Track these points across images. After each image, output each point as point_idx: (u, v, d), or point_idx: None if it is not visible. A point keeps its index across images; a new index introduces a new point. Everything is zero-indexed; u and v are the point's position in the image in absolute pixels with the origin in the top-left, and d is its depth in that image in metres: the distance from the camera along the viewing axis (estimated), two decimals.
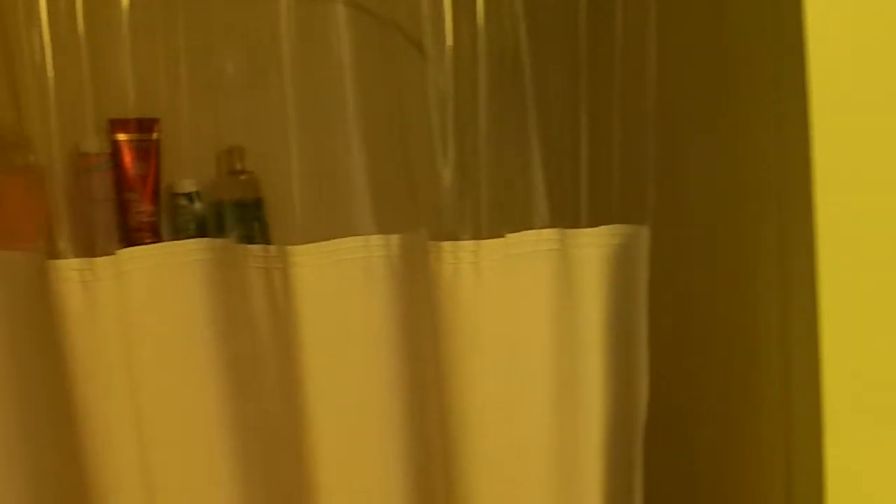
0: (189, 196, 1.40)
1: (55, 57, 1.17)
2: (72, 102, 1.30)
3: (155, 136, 1.39)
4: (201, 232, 1.32)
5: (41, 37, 0.91)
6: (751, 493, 0.95)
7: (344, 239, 0.91)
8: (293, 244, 0.89)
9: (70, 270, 0.88)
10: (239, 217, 1.43)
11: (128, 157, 1.37)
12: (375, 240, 0.91)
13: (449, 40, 0.86)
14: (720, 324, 0.98)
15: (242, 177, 1.43)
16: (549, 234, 0.90)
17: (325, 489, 0.90)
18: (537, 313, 0.91)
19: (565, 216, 0.90)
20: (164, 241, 1.37)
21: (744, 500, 0.96)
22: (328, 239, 0.92)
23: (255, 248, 0.91)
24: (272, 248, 0.91)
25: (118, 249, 0.90)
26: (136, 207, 1.37)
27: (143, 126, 1.38)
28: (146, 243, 1.37)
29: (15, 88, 1.20)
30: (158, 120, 1.37)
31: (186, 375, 0.91)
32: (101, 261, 0.88)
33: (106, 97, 1.21)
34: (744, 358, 0.95)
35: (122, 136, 1.36)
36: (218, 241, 0.92)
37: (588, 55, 0.90)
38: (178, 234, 1.41)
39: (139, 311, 0.90)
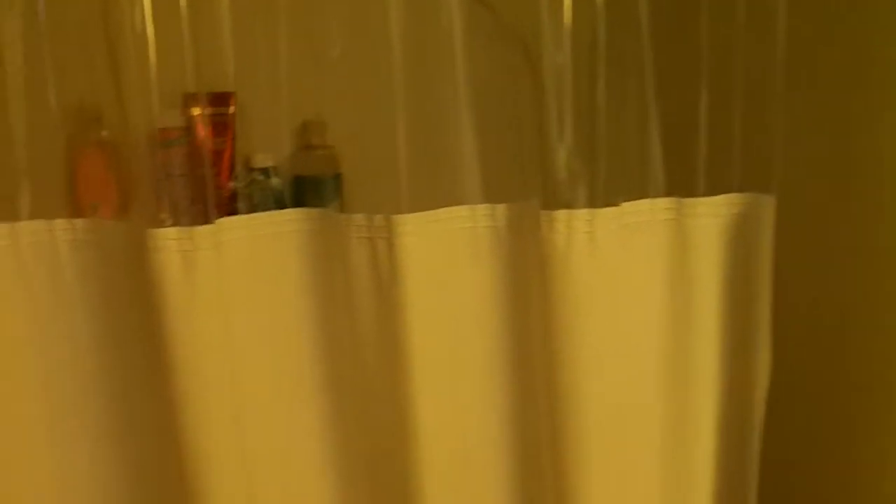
0: (266, 171, 1.39)
1: (133, 32, 1.15)
2: (149, 76, 1.29)
3: (231, 110, 1.37)
4: (278, 207, 1.30)
5: (143, 10, 0.89)
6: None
7: (450, 208, 0.88)
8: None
9: (168, 240, 0.85)
10: (317, 192, 1.41)
11: (204, 132, 1.36)
12: (482, 209, 0.87)
13: (567, 18, 0.83)
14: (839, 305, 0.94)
15: (321, 151, 1.42)
16: (665, 202, 0.86)
17: (429, 466, 0.87)
18: (652, 286, 0.87)
19: (682, 185, 0.87)
20: (227, 215, 1.36)
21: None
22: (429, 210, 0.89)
23: (359, 218, 0.89)
24: (377, 217, 0.88)
25: (217, 219, 0.87)
26: (212, 183, 1.36)
27: (219, 100, 1.36)
28: (202, 219, 1.36)
29: (104, 62, 1.19)
30: (234, 94, 1.35)
31: (284, 346, 0.89)
32: (200, 230, 0.85)
33: (182, 71, 1.20)
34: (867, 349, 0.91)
35: (197, 111, 1.34)
36: (318, 211, 0.89)
37: (710, 17, 0.86)
38: (255, 209, 1.39)
39: (237, 282, 0.87)
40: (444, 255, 0.88)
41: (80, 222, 0.89)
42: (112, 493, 0.86)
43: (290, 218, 0.88)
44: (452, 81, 0.88)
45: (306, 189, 1.41)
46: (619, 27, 0.85)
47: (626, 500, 0.91)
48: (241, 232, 0.87)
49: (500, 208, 0.87)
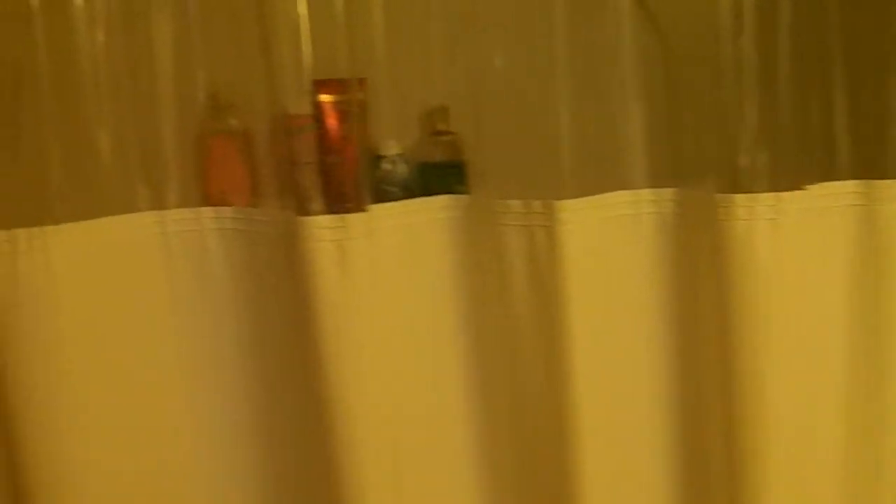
0: (393, 158, 1.36)
1: (262, 19, 1.14)
2: (279, 63, 1.28)
3: (360, 96, 1.35)
4: (406, 195, 1.27)
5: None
6: None
7: (612, 193, 0.83)
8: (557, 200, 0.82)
9: (321, 228, 0.83)
10: (443, 179, 1.37)
11: (333, 119, 1.34)
12: (646, 194, 0.82)
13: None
14: None
15: (447, 138, 1.38)
16: (853, 185, 0.80)
17: (587, 460, 0.82)
18: (837, 276, 0.81)
19: (868, 168, 0.80)
20: (365, 204, 1.34)
21: None
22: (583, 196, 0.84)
23: (516, 204, 0.84)
24: (535, 203, 0.84)
25: (370, 205, 0.84)
26: (338, 170, 1.34)
27: (348, 86, 1.33)
28: (349, 207, 1.34)
29: (241, 51, 1.18)
30: (364, 80, 1.33)
31: (437, 338, 0.85)
32: (354, 217, 0.82)
33: (311, 57, 1.19)
34: None
35: (326, 98, 1.32)
36: (471, 197, 0.85)
37: None
38: (381, 197, 1.37)
39: (390, 271, 0.84)
40: (606, 244, 0.83)
41: (227, 210, 0.87)
42: (255, 488, 0.84)
43: (445, 204, 0.84)
44: (616, 64, 0.83)
45: (432, 176, 1.37)
46: (802, 8, 0.78)
47: (808, 496, 0.84)
48: (394, 219, 0.84)
49: (667, 193, 0.82)
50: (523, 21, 1.07)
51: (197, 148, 1.29)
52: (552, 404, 0.86)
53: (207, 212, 0.86)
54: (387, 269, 0.84)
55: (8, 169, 0.95)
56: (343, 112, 1.34)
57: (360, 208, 0.87)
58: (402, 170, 1.36)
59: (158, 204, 0.92)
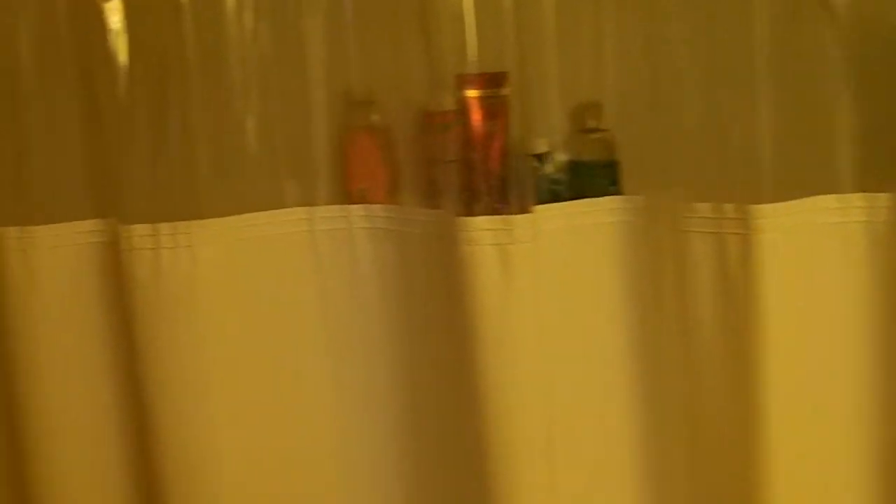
0: (540, 156, 1.28)
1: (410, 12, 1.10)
2: (419, 59, 1.23)
3: (505, 91, 1.28)
4: (553, 196, 1.20)
5: None
6: None
7: (814, 198, 0.72)
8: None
9: (481, 230, 0.76)
10: (594, 179, 1.29)
11: (476, 115, 1.27)
12: (856, 199, 0.71)
13: None
14: None
15: (598, 135, 1.29)
16: None
17: (778, 472, 0.73)
18: None
19: None
20: (510, 206, 1.27)
21: None
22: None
23: (703, 208, 0.75)
24: (727, 207, 0.74)
25: (533, 207, 0.77)
26: (481, 169, 1.27)
27: (493, 81, 1.27)
28: (495, 209, 1.27)
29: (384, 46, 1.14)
30: (507, 74, 1.26)
31: (603, 352, 0.78)
32: (518, 219, 0.75)
33: (453, 52, 1.14)
34: None
35: (471, 93, 1.26)
36: (644, 199, 0.77)
37: None
38: (527, 198, 1.30)
39: (554, 277, 0.77)
40: (806, 255, 0.73)
41: (378, 208, 0.82)
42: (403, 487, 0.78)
43: (616, 206, 0.76)
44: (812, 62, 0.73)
45: (583, 175, 1.29)
46: None
47: None
48: (561, 221, 0.76)
49: (881, 199, 0.71)
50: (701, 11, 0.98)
51: (338, 144, 1.25)
52: (737, 419, 0.77)
53: (358, 209, 0.81)
54: (551, 275, 0.77)
55: (153, 162, 0.93)
56: (489, 108, 1.27)
57: (521, 209, 0.80)
58: (549, 169, 1.28)
59: (300, 200, 0.88)
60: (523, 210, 0.77)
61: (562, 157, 1.28)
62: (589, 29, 1.22)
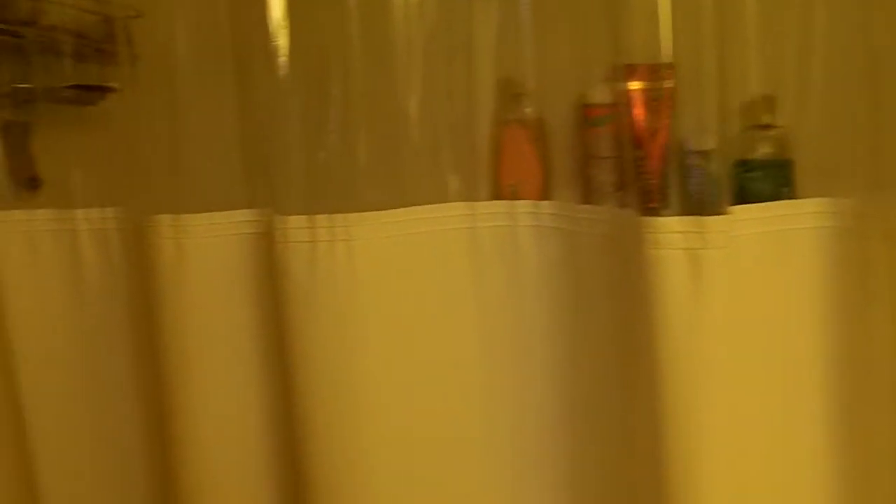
0: (705, 154, 1.20)
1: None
2: (577, 49, 1.17)
3: (668, 84, 1.20)
4: (717, 198, 1.11)
5: None
6: None
7: None
8: None
9: (671, 233, 0.68)
10: (765, 180, 1.19)
11: (638, 109, 1.20)
12: None
13: None
14: None
15: (771, 132, 1.20)
16: None
17: None
18: None
19: None
20: (668, 206, 1.19)
21: None
22: None
23: None
24: None
25: (729, 207, 0.69)
26: (641, 166, 1.20)
27: (657, 73, 1.19)
28: (652, 208, 1.19)
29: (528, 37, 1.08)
30: (674, 66, 1.18)
31: (799, 383, 0.69)
32: (714, 221, 0.67)
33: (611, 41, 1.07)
34: None
35: (635, 85, 1.19)
36: (852, 203, 0.68)
37: None
38: (690, 198, 1.22)
39: (753, 288, 0.69)
40: None
41: (545, 205, 0.76)
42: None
43: (822, 209, 0.68)
44: None
45: (752, 175, 1.20)
46: None
47: None
48: (761, 226, 0.68)
49: None
50: None
51: (490, 137, 1.20)
52: None
53: (523, 206, 0.76)
54: (746, 286, 0.68)
55: (310, 153, 0.90)
56: (652, 101, 1.20)
57: (718, 211, 0.72)
58: (714, 168, 1.19)
59: (456, 195, 0.83)
60: (713, 212, 0.69)
61: (731, 154, 1.20)
62: (761, 18, 1.13)
